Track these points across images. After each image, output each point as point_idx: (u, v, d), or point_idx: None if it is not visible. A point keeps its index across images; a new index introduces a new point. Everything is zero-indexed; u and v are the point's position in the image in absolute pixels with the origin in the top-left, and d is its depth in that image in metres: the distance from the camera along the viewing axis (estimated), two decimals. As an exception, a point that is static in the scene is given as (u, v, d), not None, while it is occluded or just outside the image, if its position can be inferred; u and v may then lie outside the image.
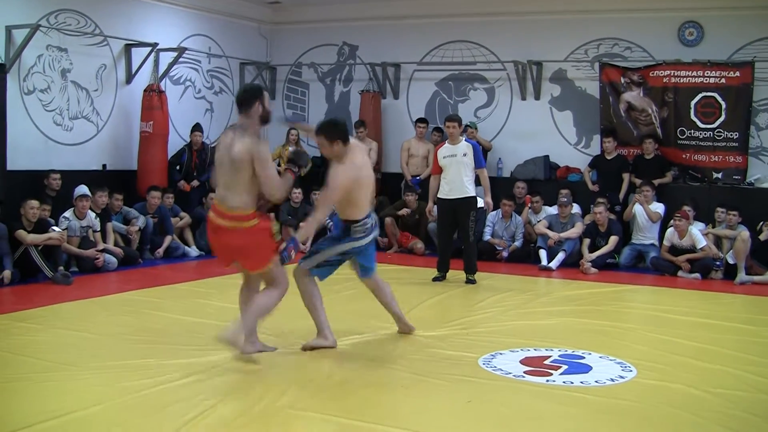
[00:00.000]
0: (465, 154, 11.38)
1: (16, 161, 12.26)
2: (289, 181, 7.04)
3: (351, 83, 17.26)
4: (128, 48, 14.40)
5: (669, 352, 7.71)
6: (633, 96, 14.55)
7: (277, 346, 7.45)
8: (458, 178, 11.35)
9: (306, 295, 7.52)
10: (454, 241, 11.91)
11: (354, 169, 7.35)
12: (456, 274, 11.65)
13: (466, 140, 11.65)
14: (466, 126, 14.87)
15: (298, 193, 14.47)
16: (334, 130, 7.36)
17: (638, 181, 13.82)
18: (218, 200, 6.86)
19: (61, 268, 10.89)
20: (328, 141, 7.32)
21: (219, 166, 6.90)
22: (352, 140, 7.57)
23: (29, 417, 5.41)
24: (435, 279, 11.65)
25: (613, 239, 13.08)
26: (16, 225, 10.78)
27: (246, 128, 6.84)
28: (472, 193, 11.46)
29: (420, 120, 15.66)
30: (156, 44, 14.56)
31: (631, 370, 6.98)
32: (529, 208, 14.17)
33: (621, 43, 14.92)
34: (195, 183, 14.43)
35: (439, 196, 11.59)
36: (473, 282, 11.49)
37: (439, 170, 11.57)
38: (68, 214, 11.71)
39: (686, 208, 12.86)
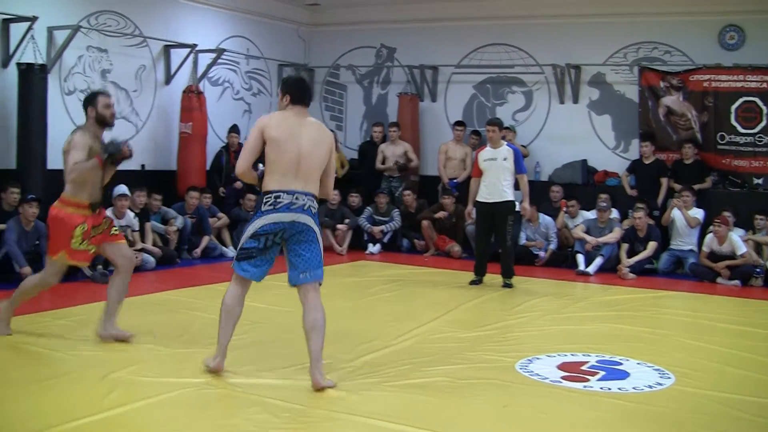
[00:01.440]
0: (505, 159, 11.36)
1: (56, 160, 12.25)
2: (90, 165, 7.38)
3: (389, 85, 17.26)
4: (167, 49, 14.50)
5: (707, 359, 7.65)
6: (672, 100, 14.46)
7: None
8: (497, 182, 11.33)
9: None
10: (491, 245, 11.87)
11: (260, 121, 6.66)
12: (493, 278, 11.61)
13: (507, 145, 11.61)
14: (505, 128, 14.86)
15: (335, 195, 14.49)
16: (286, 83, 6.74)
17: (677, 187, 13.72)
18: None
19: (100, 266, 10.94)
20: (279, 92, 6.73)
21: None
22: (310, 117, 6.72)
23: (68, 414, 5.44)
24: (472, 282, 11.61)
25: (652, 245, 12.99)
26: (55, 224, 10.83)
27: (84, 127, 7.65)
28: (511, 198, 11.43)
29: (458, 123, 15.63)
30: (195, 45, 14.64)
31: (669, 377, 6.93)
32: (565, 212, 14.10)
33: (661, 47, 14.83)
34: (222, 191, 14.52)
35: (477, 199, 11.56)
36: (510, 286, 11.45)
37: (479, 173, 11.54)
38: (107, 213, 11.75)
39: (726, 214, 12.74)
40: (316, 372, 6.29)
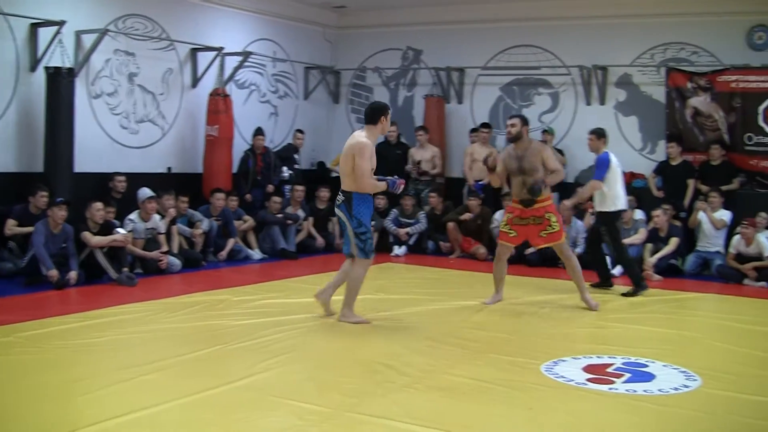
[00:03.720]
0: None
1: (83, 164, 12.41)
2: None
3: (415, 87, 17.27)
4: (194, 52, 14.56)
5: (734, 361, 7.61)
6: (700, 101, 14.39)
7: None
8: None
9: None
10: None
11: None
12: (517, 280, 11.56)
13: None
14: (544, 131, 14.85)
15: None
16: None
17: (704, 188, 13.66)
18: None
19: (126, 269, 10.99)
20: None
21: None
22: (358, 132, 8.81)
23: (94, 415, 5.48)
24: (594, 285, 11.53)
25: (674, 240, 12.92)
26: (81, 227, 10.90)
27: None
28: (604, 208, 11.35)
29: (483, 125, 15.60)
30: (221, 48, 14.70)
31: (695, 380, 6.90)
32: (591, 214, 14.04)
33: (688, 48, 14.77)
34: (248, 198, 14.55)
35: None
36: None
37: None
38: (133, 216, 11.84)
39: (763, 215, 12.62)
40: (327, 291, 8.91)
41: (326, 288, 8.93)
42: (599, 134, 11.38)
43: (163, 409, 5.71)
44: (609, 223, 11.36)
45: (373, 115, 8.65)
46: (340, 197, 8.56)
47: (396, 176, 9.13)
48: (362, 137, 8.52)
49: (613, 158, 11.19)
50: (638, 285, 11.28)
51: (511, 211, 10.09)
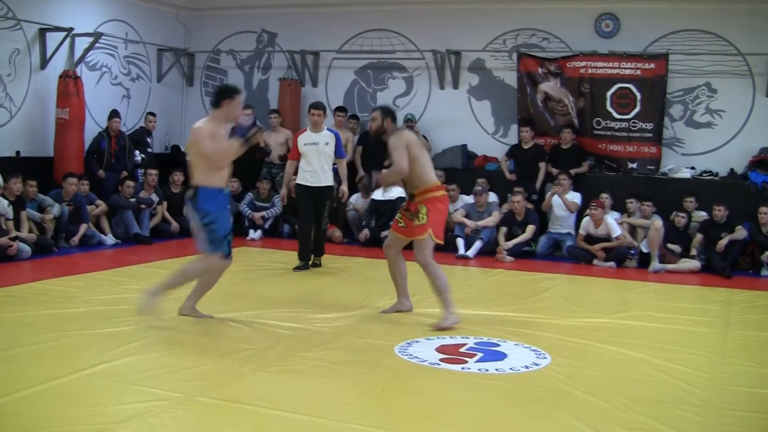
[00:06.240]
0: (327, 143, 11.44)
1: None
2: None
3: (270, 71, 17.18)
4: (43, 32, 14.15)
5: (583, 339, 7.81)
6: (550, 86, 14.70)
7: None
8: (320, 166, 11.42)
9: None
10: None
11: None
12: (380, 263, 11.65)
13: (328, 129, 11.67)
14: (407, 118, 14.92)
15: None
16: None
17: (555, 171, 13.97)
18: None
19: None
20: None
21: None
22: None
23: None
24: (296, 269, 11.57)
25: (530, 228, 13.20)
26: None
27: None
28: (331, 182, 11.59)
29: (339, 108, 15.61)
30: (71, 29, 14.33)
31: (545, 358, 7.07)
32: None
33: (539, 34, 15.08)
34: (101, 173, 14.24)
35: (299, 182, 11.56)
36: (318, 265, 11.72)
37: (297, 156, 11.58)
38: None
39: (604, 195, 13.08)
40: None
41: (186, 300, 8.21)
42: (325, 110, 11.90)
43: (8, 400, 5.55)
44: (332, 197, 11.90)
45: (215, 98, 7.97)
46: (189, 192, 7.92)
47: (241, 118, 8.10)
48: (198, 123, 7.91)
49: None
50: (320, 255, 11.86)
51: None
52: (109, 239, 13.47)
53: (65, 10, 14.51)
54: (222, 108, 7.88)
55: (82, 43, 14.76)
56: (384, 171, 8.45)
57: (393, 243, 8.71)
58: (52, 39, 14.27)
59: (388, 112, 8.65)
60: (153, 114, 15.64)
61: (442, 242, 8.55)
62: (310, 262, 11.63)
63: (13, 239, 11.52)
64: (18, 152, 13.80)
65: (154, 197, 14.25)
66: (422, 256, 8.31)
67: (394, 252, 8.73)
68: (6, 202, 11.75)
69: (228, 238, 7.90)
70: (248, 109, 15.54)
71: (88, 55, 15.01)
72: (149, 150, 15.40)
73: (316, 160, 11.36)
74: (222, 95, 7.94)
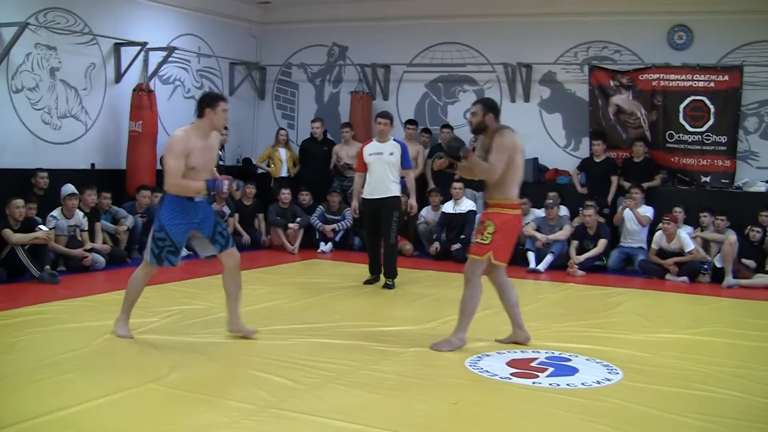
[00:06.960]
0: (392, 153, 11.20)
1: (3, 159, 12.23)
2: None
3: (341, 84, 17.25)
4: (117, 47, 14.37)
5: (655, 354, 7.73)
6: (622, 99, 14.57)
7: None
8: (382, 176, 11.17)
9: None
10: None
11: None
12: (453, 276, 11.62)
13: (394, 140, 11.43)
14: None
15: (287, 193, 14.56)
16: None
17: (627, 184, 13.84)
18: None
19: (48, 267, 10.83)
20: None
21: None
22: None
23: (14, 416, 5.38)
24: (367, 282, 11.47)
25: (602, 242, 13.09)
26: (2, 224, 10.72)
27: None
28: (395, 193, 11.24)
29: (409, 121, 15.64)
30: (145, 43, 14.53)
31: (617, 373, 6.99)
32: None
33: (611, 46, 14.95)
34: None
35: (363, 196, 11.38)
36: (391, 287, 11.25)
37: (364, 168, 11.36)
38: (56, 213, 11.66)
39: (677, 209, 12.92)
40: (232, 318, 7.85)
41: (229, 317, 7.95)
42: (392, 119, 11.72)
43: (85, 408, 5.62)
44: (400, 208, 11.49)
45: (198, 106, 7.58)
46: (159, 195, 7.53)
47: (226, 176, 7.74)
48: (177, 131, 7.52)
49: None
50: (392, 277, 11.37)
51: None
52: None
53: (139, 24, 14.72)
54: (205, 117, 7.52)
55: (155, 57, 14.96)
56: (478, 160, 7.71)
57: (491, 271, 7.92)
58: (127, 53, 14.47)
59: (490, 106, 7.99)
60: (225, 127, 15.71)
61: (504, 264, 7.87)
62: (382, 285, 11.30)
63: (88, 250, 11.70)
64: (93, 165, 14.00)
65: (226, 209, 14.35)
66: (470, 270, 7.73)
67: (495, 279, 7.96)
68: (81, 214, 11.92)
69: (176, 249, 7.94)
70: (317, 121, 15.69)
71: (162, 68, 15.19)
72: (221, 163, 15.48)
73: (380, 170, 11.13)
74: (204, 104, 7.55)
